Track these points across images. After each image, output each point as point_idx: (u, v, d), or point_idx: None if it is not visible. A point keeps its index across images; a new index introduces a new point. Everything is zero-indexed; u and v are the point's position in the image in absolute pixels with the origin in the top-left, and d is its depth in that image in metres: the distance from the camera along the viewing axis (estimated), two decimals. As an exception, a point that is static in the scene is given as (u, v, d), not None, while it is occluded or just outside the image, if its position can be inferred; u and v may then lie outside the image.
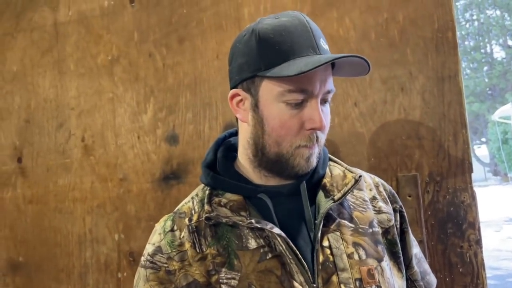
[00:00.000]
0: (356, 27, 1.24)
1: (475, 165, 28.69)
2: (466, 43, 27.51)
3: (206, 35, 1.37)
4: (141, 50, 1.43)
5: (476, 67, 26.79)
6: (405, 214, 0.85)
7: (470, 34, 27.54)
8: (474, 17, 27.44)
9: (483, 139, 26.52)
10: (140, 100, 1.42)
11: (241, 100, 0.74)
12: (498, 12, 26.45)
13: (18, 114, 1.55)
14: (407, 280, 0.82)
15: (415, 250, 0.86)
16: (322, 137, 0.72)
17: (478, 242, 1.12)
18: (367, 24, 1.23)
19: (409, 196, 1.14)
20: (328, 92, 0.71)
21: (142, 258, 0.76)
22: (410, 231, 0.85)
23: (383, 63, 1.21)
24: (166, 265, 0.73)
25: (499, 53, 27.82)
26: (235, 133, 0.84)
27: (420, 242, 1.11)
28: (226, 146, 0.80)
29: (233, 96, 0.75)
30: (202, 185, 0.80)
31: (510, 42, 26.36)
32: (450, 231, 1.13)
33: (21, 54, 1.56)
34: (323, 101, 0.71)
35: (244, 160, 0.77)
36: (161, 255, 0.74)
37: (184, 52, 1.39)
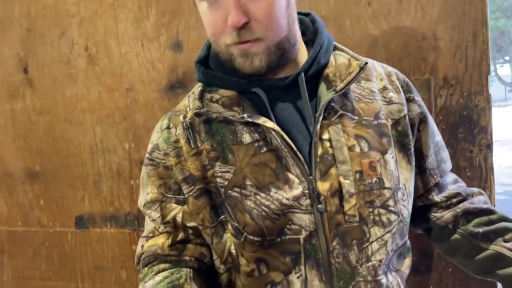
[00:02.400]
0: None
1: (496, 84, 27.88)
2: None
3: None
4: (139, -51, 1.33)
5: (506, -22, 24.90)
6: (422, 103, 0.81)
7: None
8: None
9: (507, 58, 25.45)
10: (141, 4, 1.35)
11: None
12: None
13: (19, 23, 1.51)
14: (425, 169, 0.81)
15: (437, 137, 0.83)
16: (261, 30, 0.65)
17: (489, 146, 1.09)
18: None
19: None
20: None
21: (145, 158, 0.77)
22: (430, 120, 0.82)
23: (401, -45, 1.10)
24: (163, 161, 0.74)
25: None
26: None
27: (429, 147, 1.09)
28: None
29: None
30: (199, 83, 0.77)
31: None
32: (461, 135, 1.11)
33: (15, -43, 1.47)
34: None
35: None
36: (158, 151, 0.74)
37: (186, -50, 1.29)
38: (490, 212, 0.79)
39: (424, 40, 1.11)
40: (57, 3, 1.44)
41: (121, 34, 1.38)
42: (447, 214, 0.79)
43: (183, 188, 0.72)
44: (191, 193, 0.71)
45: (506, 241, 0.74)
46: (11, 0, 1.50)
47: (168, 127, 0.75)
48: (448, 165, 0.84)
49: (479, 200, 0.80)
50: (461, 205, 0.79)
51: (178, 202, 0.73)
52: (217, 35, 0.68)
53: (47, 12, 1.46)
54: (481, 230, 0.76)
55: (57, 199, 1.54)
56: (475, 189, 0.83)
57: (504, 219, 0.77)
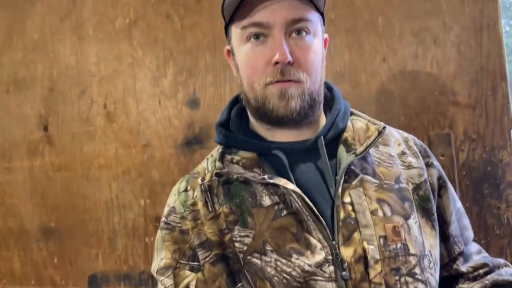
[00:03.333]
0: (384, -25, 1.15)
1: None
2: (506, -2, 25.92)
3: (225, -7, 1.31)
4: (158, 11, 1.39)
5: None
6: (441, 168, 0.79)
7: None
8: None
9: (522, 101, 25.33)
10: (159, 63, 1.39)
11: (229, 52, 0.75)
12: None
13: (41, 83, 1.56)
14: (448, 236, 0.77)
15: (458, 204, 0.81)
16: (301, 73, 0.67)
17: (517, 202, 1.05)
18: (397, -29, 1.13)
19: (442, 156, 1.07)
20: (296, 21, 0.66)
21: (161, 221, 0.76)
22: (449, 186, 0.80)
23: (414, 14, 1.12)
24: (179, 225, 0.72)
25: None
26: None
27: (454, 204, 1.05)
28: (241, 105, 0.77)
29: (227, 51, 0.77)
30: (218, 146, 0.77)
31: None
32: (487, 191, 1.07)
33: (40, 21, 1.54)
34: (296, 32, 0.67)
35: (250, 117, 0.74)
36: (174, 215, 0.73)
37: (202, 11, 1.34)
38: None
39: (441, 95, 1.10)
40: (78, 63, 1.49)
41: (139, 92, 1.41)
42: (475, 286, 0.74)
43: (199, 253, 0.69)
44: (207, 259, 0.68)
45: None
46: (35, 60, 1.56)
47: (185, 190, 0.74)
48: (470, 233, 0.80)
49: (506, 272, 0.76)
50: (489, 276, 0.75)
51: (192, 269, 0.70)
52: (258, 75, 0.68)
53: (69, 72, 1.51)
54: None
55: (71, 257, 1.51)
56: (502, 260, 0.79)
57: None
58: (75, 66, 1.50)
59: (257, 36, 0.67)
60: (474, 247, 0.80)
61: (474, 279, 0.75)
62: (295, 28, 0.67)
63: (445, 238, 0.77)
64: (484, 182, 1.07)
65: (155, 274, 0.73)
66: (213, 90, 1.32)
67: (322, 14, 0.74)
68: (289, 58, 0.65)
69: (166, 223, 0.74)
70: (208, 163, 0.76)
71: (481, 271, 0.76)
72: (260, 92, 0.69)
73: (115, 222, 1.45)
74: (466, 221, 0.81)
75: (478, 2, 1.07)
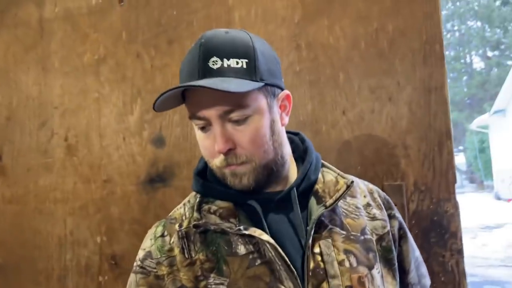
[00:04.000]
0: (346, 35, 1.25)
1: (453, 172, 29.25)
2: (447, 53, 28.02)
3: (196, 37, 1.34)
4: (129, 50, 1.41)
5: (456, 76, 27.41)
6: (401, 219, 0.86)
7: (451, 44, 28.16)
8: (456, 28, 28.09)
9: (461, 147, 27.09)
10: (126, 101, 1.40)
11: None
12: (479, 23, 27.12)
13: (-1, 111, 1.51)
14: (407, 284, 0.83)
15: (416, 253, 0.87)
16: (245, 155, 0.70)
17: (460, 251, 1.14)
18: (357, 33, 1.24)
19: (395, 205, 1.14)
20: (229, 111, 0.69)
21: (134, 264, 0.76)
22: (409, 236, 0.86)
23: (372, 72, 1.22)
24: (155, 270, 0.72)
25: (478, 64, 28.52)
26: None
27: (404, 251, 1.12)
28: None
29: None
30: (194, 192, 0.79)
31: (489, 53, 27.02)
32: (433, 240, 1.15)
33: (4, 50, 1.52)
34: (234, 121, 0.70)
35: None
36: (150, 260, 0.73)
37: (173, 54, 1.38)
38: None
39: (395, 148, 1.19)
40: (41, 94, 1.47)
41: (103, 127, 1.41)
42: None
43: None
44: None
45: None
46: (-6, 88, 1.52)
47: (162, 235, 0.75)
48: (427, 280, 0.87)
49: None
50: None
51: None
52: (209, 158, 0.74)
53: (29, 102, 1.48)
54: None
55: (16, 296, 1.43)
56: None
57: None
58: (36, 97, 1.48)
59: (202, 127, 0.72)
60: None
61: None
62: (233, 118, 0.69)
63: (404, 286, 0.82)
64: (431, 231, 1.15)
65: None
66: (179, 130, 1.35)
67: (269, 84, 0.73)
68: (227, 147, 0.69)
69: (141, 267, 0.74)
70: (185, 209, 0.78)
71: None
72: (216, 171, 0.74)
73: (67, 260, 1.40)
74: (423, 269, 0.87)
75: (427, 67, 1.19)
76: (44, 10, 1.49)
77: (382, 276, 0.75)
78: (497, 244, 6.89)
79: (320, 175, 0.79)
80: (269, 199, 0.74)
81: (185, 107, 0.75)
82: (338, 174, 0.80)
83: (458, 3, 27.50)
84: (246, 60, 0.69)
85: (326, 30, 1.27)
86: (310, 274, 0.69)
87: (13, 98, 1.50)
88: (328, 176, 0.80)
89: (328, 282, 0.69)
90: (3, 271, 1.45)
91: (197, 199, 0.76)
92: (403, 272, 0.82)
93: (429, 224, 1.15)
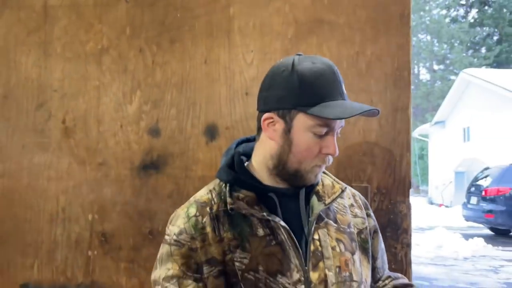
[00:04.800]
0: (332, 55, 1.44)
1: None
2: (398, 61, 29.53)
3: (197, 40, 1.50)
4: (132, 45, 1.52)
5: (403, 85, 28.84)
6: (374, 218, 1.07)
7: (402, 54, 29.54)
8: (407, 39, 29.48)
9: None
10: (126, 91, 1.51)
11: (273, 122, 0.89)
12: (428, 37, 28.67)
13: (-5, 89, 1.56)
14: (374, 268, 1.05)
15: (382, 245, 1.09)
16: (332, 159, 0.92)
17: (409, 245, 1.38)
18: (341, 54, 1.44)
19: (360, 203, 1.36)
20: (341, 127, 0.91)
21: (167, 237, 0.89)
22: (379, 231, 1.08)
23: (351, 89, 1.42)
24: (189, 243, 0.87)
25: (424, 76, 30.19)
26: (246, 140, 1.01)
27: (365, 242, 1.35)
28: (240, 153, 0.96)
29: (266, 118, 0.89)
30: (217, 180, 0.94)
31: (435, 66, 28.72)
32: (388, 234, 1.38)
33: (5, 30, 1.57)
34: (336, 133, 0.91)
35: (260, 166, 0.93)
36: (186, 235, 0.88)
37: (174, 52, 1.51)
38: (409, 285, 1.05)
39: (364, 156, 1.40)
40: (40, 76, 1.55)
41: (101, 114, 1.51)
42: None
43: (204, 268, 0.86)
44: (211, 272, 0.86)
45: None
46: (-10, 65, 1.57)
47: (195, 215, 0.90)
48: (386, 265, 1.10)
49: (403, 280, 1.07)
50: (391, 283, 1.05)
51: (195, 280, 0.86)
52: (310, 158, 0.88)
53: (28, 83, 1.55)
54: None
55: (2, 265, 1.51)
56: (400, 274, 1.11)
57: None
58: (36, 79, 1.55)
59: (320, 134, 0.87)
60: (391, 272, 1.09)
61: (383, 287, 1.05)
62: (338, 131, 0.91)
63: (373, 269, 1.04)
64: (387, 227, 1.38)
65: (159, 280, 0.87)
66: (175, 123, 1.49)
67: None
68: (337, 153, 0.89)
69: (176, 240, 0.88)
70: (213, 195, 0.93)
71: (387, 281, 1.06)
72: (306, 169, 0.89)
73: (57, 234, 1.50)
74: (385, 257, 1.10)
75: (397, 89, 1.41)
76: (49, -4, 1.56)
77: (360, 261, 0.96)
78: (428, 244, 7.51)
79: (320, 179, 0.98)
80: (284, 194, 0.92)
81: (312, 116, 0.85)
82: (334, 180, 1.00)
83: (412, 16, 28.91)
84: None
85: (314, 48, 1.45)
86: (311, 254, 0.89)
87: (11, 78, 1.56)
88: (326, 181, 0.99)
89: (323, 261, 0.89)
90: (-9, 242, 1.51)
91: (227, 187, 0.91)
92: (373, 259, 1.04)
93: (386, 221, 1.38)
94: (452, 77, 24.33)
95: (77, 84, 1.53)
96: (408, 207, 1.39)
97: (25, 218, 1.52)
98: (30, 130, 1.54)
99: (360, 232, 1.00)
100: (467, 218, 9.86)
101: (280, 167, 0.90)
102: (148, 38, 1.52)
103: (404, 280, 1.07)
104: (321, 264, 0.89)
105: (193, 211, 0.91)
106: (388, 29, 1.43)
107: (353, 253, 0.94)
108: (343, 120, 0.89)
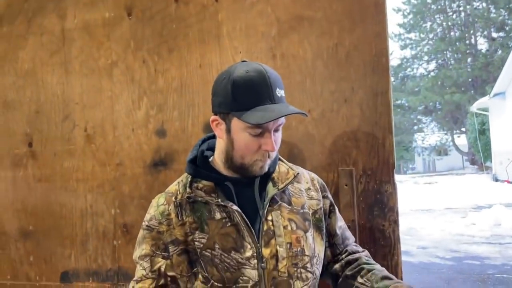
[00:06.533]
0: (312, 48, 1.54)
1: (454, 153, 29.55)
2: (452, 33, 27.98)
3: (191, 47, 1.66)
4: (136, 57, 1.71)
5: (460, 58, 27.36)
6: (331, 199, 1.18)
7: (456, 25, 27.99)
8: (461, 8, 27.84)
9: (463, 129, 27.26)
10: (134, 98, 1.71)
11: (219, 123, 1.03)
12: (484, 4, 26.85)
13: (28, 106, 1.82)
14: (333, 244, 1.16)
15: (340, 223, 1.19)
16: (274, 153, 1.03)
17: (396, 222, 1.45)
18: (321, 46, 1.53)
19: (346, 185, 1.46)
20: (279, 125, 1.01)
21: (142, 223, 1.07)
22: (336, 210, 1.19)
23: (332, 78, 1.52)
24: (157, 227, 1.04)
25: (483, 45, 28.41)
26: (212, 137, 1.15)
27: (352, 221, 1.44)
28: (205, 148, 1.11)
29: (213, 120, 1.05)
30: (186, 173, 1.10)
31: (494, 34, 26.86)
32: (376, 213, 1.46)
33: (32, 54, 1.82)
34: (275, 130, 1.01)
35: (219, 160, 1.08)
36: (154, 220, 1.05)
37: (173, 60, 1.67)
38: (359, 259, 1.13)
39: (348, 141, 1.49)
40: (64, 92, 1.78)
41: (116, 120, 1.72)
42: (336, 265, 1.15)
43: (169, 247, 1.02)
44: (175, 251, 1.02)
45: (361, 277, 1.09)
46: (24, 86, 1.83)
47: (163, 204, 1.07)
48: (351, 241, 1.20)
49: (361, 255, 1.16)
50: (346, 257, 1.14)
51: (163, 258, 1.02)
52: (250, 154, 1.01)
53: (54, 99, 1.79)
54: (349, 273, 1.11)
55: (46, 256, 1.77)
56: (360, 248, 1.20)
57: (365, 263, 1.12)
58: (60, 94, 1.79)
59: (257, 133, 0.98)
60: (351, 245, 1.19)
61: (338, 261, 1.15)
62: (277, 128, 1.01)
63: (331, 245, 1.16)
64: (374, 206, 1.47)
65: (136, 259, 1.05)
66: (178, 124, 1.66)
67: None
68: (274, 149, 0.99)
69: (148, 226, 1.06)
70: (179, 186, 1.09)
71: (343, 255, 1.16)
72: (248, 163, 1.01)
73: (88, 227, 1.74)
74: (347, 233, 1.20)
75: (376, 75, 1.48)
76: (65, 21, 1.79)
77: (313, 238, 1.08)
78: (485, 223, 7.23)
79: (277, 167, 1.11)
80: (240, 182, 1.06)
81: (244, 118, 0.95)
82: (290, 167, 1.12)
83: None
84: (283, 90, 1.02)
85: (296, 44, 1.56)
86: (264, 233, 1.02)
87: (40, 95, 1.81)
88: (282, 168, 1.11)
89: (275, 239, 1.02)
90: (35, 236, 1.78)
91: (189, 179, 1.07)
92: (330, 236, 1.15)
93: (373, 201, 1.47)
94: (514, 44, 22.68)
95: (94, 96, 1.75)
96: (394, 186, 1.46)
97: (61, 215, 1.77)
98: (59, 139, 1.78)
99: (314, 212, 1.11)
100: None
101: (229, 161, 1.04)
102: (150, 49, 1.70)
103: (359, 255, 1.15)
104: (273, 241, 1.02)
105: (162, 200, 1.07)
106: (364, 18, 1.50)
107: (305, 231, 1.06)
108: (280, 120, 1.00)
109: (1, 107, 1.86)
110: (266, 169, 1.05)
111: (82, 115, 1.76)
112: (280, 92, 0.99)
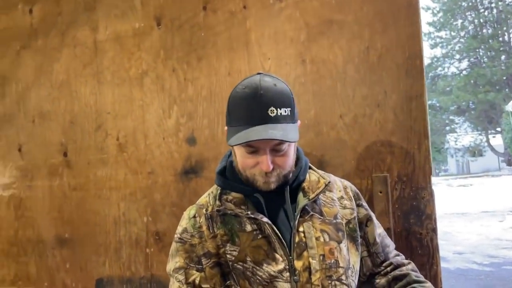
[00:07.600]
0: (343, 52, 1.51)
1: (489, 154, 28.54)
2: (484, 31, 27.11)
3: (220, 55, 1.66)
4: (166, 66, 1.72)
5: (493, 55, 26.45)
6: (367, 207, 1.14)
7: (489, 22, 27.11)
8: (493, 5, 26.95)
9: (498, 129, 26.31)
10: (165, 107, 1.72)
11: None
12: (518, -1, 25.90)
13: (63, 116, 1.87)
14: (373, 253, 1.12)
15: (379, 230, 1.15)
16: (279, 170, 0.99)
17: (434, 230, 1.40)
18: (352, 50, 1.50)
19: (380, 192, 1.42)
20: (277, 145, 0.96)
21: (175, 236, 1.07)
22: (373, 218, 1.15)
23: (364, 83, 1.48)
24: (190, 240, 1.04)
25: (518, 42, 27.30)
26: None
27: (388, 230, 1.40)
28: (232, 160, 1.10)
29: (226, 131, 1.03)
30: (216, 185, 1.10)
31: (529, 30, 25.84)
32: (412, 221, 1.41)
33: (66, 66, 1.87)
34: (275, 151, 0.97)
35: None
36: (186, 233, 1.04)
37: (202, 69, 1.68)
38: (408, 276, 1.09)
39: (382, 146, 1.45)
40: (97, 102, 1.82)
41: (147, 129, 1.74)
42: (382, 280, 1.10)
43: (202, 260, 1.01)
44: (208, 264, 1.01)
45: None
46: (59, 97, 1.88)
47: (194, 217, 1.07)
48: (391, 248, 1.15)
49: (407, 268, 1.11)
50: (392, 272, 1.10)
51: (197, 270, 1.02)
52: (248, 169, 1.00)
53: (88, 109, 1.83)
54: None
55: (81, 263, 1.81)
56: (406, 261, 1.15)
57: (415, 281, 1.07)
58: (93, 104, 1.82)
59: (251, 152, 0.97)
60: (392, 254, 1.15)
61: (385, 275, 1.11)
62: (277, 149, 0.96)
63: (370, 254, 1.12)
64: (410, 214, 1.42)
65: (170, 272, 1.05)
66: (208, 132, 1.66)
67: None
68: (271, 168, 0.95)
69: (180, 238, 1.05)
70: (209, 198, 1.08)
71: (388, 268, 1.12)
72: (249, 177, 1.00)
73: (121, 235, 1.76)
74: (387, 240, 1.16)
75: (409, 78, 1.44)
76: (97, 32, 1.82)
77: (348, 248, 1.04)
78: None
79: (307, 176, 1.08)
80: (269, 193, 1.04)
81: (228, 135, 0.97)
82: (320, 175, 1.09)
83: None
84: (290, 108, 0.97)
85: (326, 48, 1.53)
86: (295, 245, 0.99)
87: (74, 106, 1.85)
88: (313, 176, 1.09)
89: (307, 251, 0.99)
90: (71, 244, 1.82)
91: (218, 191, 1.06)
92: (369, 245, 1.11)
93: (409, 208, 1.42)
94: (551, 40, 21.71)
95: (125, 105, 1.78)
96: (431, 193, 1.41)
97: (95, 223, 1.80)
98: (92, 148, 1.82)
99: (348, 222, 1.08)
100: None
101: (239, 173, 1.04)
102: (179, 58, 1.71)
103: (408, 271, 1.10)
104: (305, 253, 0.99)
105: (192, 212, 1.07)
106: (396, 20, 1.46)
107: (339, 242, 1.03)
108: (274, 141, 0.94)
109: (37, 118, 1.91)
110: (273, 186, 1.00)
111: (114, 124, 1.79)
112: (275, 111, 0.94)
